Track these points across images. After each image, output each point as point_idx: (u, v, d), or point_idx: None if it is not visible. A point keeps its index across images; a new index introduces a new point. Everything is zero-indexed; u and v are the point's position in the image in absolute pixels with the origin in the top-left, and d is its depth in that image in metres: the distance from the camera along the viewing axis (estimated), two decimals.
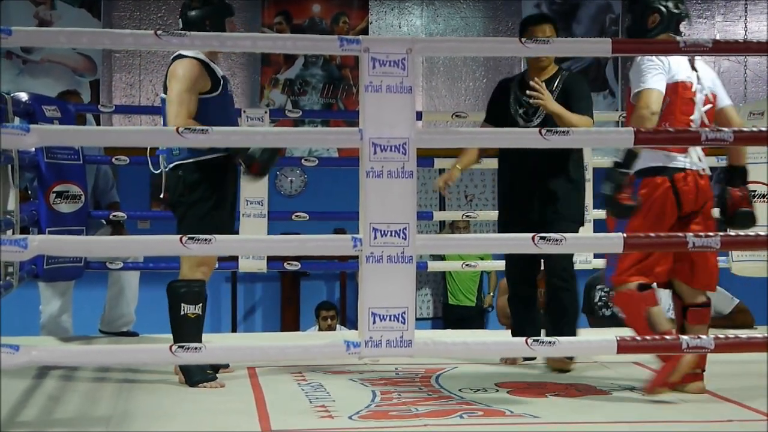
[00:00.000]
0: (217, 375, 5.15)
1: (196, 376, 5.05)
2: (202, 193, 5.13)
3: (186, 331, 5.01)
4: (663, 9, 4.94)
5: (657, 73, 4.75)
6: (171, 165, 5.17)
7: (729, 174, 5.02)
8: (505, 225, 5.78)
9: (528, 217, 5.61)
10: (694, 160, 4.87)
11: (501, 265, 8.02)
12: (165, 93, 5.18)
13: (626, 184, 4.72)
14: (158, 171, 5.31)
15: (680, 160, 4.83)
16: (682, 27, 4.99)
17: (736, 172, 5.00)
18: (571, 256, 5.78)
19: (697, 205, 4.89)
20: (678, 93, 4.82)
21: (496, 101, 5.84)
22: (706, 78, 4.94)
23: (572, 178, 5.72)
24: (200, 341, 4.89)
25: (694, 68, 4.90)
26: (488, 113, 5.89)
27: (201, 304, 5.12)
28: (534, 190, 5.65)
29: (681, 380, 4.83)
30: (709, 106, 4.91)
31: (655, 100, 4.71)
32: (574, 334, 5.51)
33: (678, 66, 4.83)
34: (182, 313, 5.07)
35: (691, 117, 4.84)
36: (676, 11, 4.96)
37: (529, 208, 5.65)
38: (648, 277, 4.89)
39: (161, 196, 5.33)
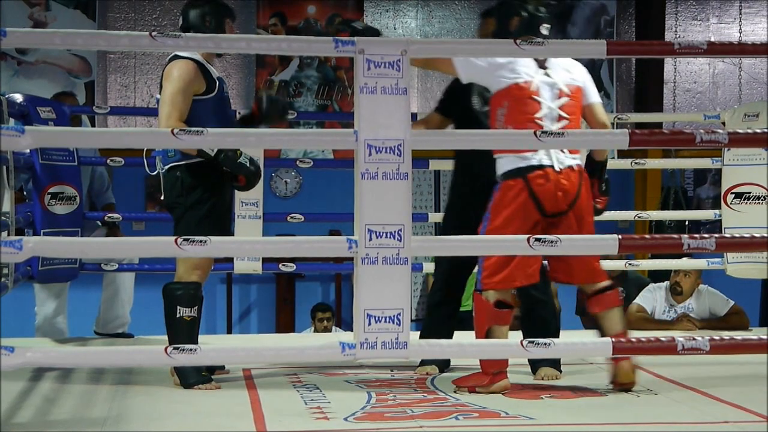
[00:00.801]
0: (213, 377, 5.14)
1: (191, 378, 5.04)
2: (200, 195, 5.11)
3: (181, 334, 5.00)
4: (523, 13, 5.05)
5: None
6: (167, 166, 5.17)
7: (589, 168, 5.06)
8: (450, 228, 5.60)
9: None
10: (553, 155, 4.89)
11: None
12: (160, 93, 5.18)
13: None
14: (154, 173, 5.31)
15: (535, 158, 4.86)
16: (544, 29, 5.03)
17: (596, 166, 5.08)
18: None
19: (563, 203, 4.89)
20: (513, 94, 4.90)
21: (454, 94, 5.64)
22: (560, 73, 4.99)
23: None
24: (195, 343, 4.90)
25: (543, 67, 4.96)
26: (443, 104, 5.72)
27: (197, 307, 5.10)
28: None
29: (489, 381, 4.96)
30: (564, 99, 4.96)
31: None
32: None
33: (520, 69, 4.91)
34: (178, 315, 5.06)
35: (537, 114, 4.89)
36: (538, 14, 5.06)
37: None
38: (517, 282, 4.95)
39: (161, 198, 5.33)
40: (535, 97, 4.91)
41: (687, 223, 10.84)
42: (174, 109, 5.02)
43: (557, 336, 5.47)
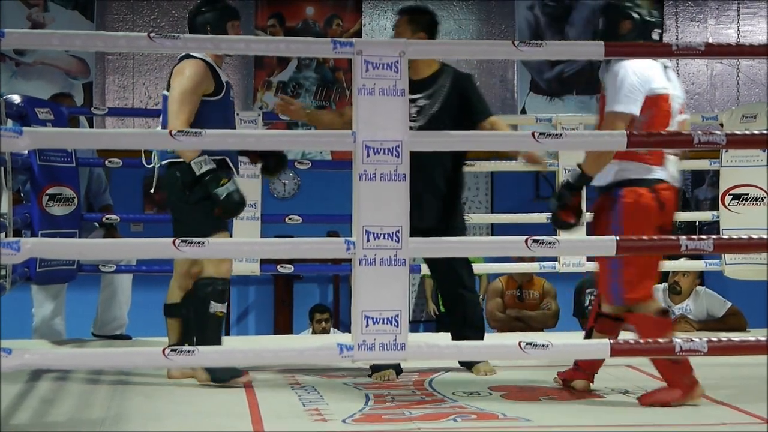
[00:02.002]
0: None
1: (224, 373, 5.07)
2: (200, 193, 5.10)
3: (211, 330, 5.07)
4: (636, 16, 4.88)
5: (635, 99, 4.71)
6: (165, 162, 5.17)
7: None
8: None
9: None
10: (671, 172, 4.83)
11: (494, 268, 8.09)
12: (168, 91, 5.17)
13: (570, 203, 4.80)
14: (150, 165, 5.31)
15: (659, 172, 4.79)
16: (655, 35, 4.92)
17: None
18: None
19: (673, 218, 4.86)
20: (659, 106, 4.78)
21: None
22: (678, 87, 4.92)
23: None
24: (221, 341, 5.03)
25: (668, 78, 4.87)
26: None
27: (226, 303, 5.17)
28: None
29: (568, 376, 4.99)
30: (682, 116, 4.89)
31: (625, 125, 4.67)
32: (482, 338, 5.50)
33: (655, 76, 4.78)
34: (211, 311, 5.10)
35: (668, 129, 4.79)
36: (650, 19, 4.91)
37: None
38: (653, 287, 4.87)
39: (151, 191, 5.32)
40: (671, 110, 4.83)
41: (684, 224, 10.85)
42: (184, 106, 5.03)
43: (480, 332, 5.58)
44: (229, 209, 5.01)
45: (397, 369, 5.40)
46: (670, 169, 4.81)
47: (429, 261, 5.89)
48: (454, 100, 5.48)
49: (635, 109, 4.70)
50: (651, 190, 4.77)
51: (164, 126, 5.13)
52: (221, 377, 5.08)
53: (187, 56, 5.18)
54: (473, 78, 5.75)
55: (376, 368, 5.37)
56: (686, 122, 4.97)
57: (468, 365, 5.49)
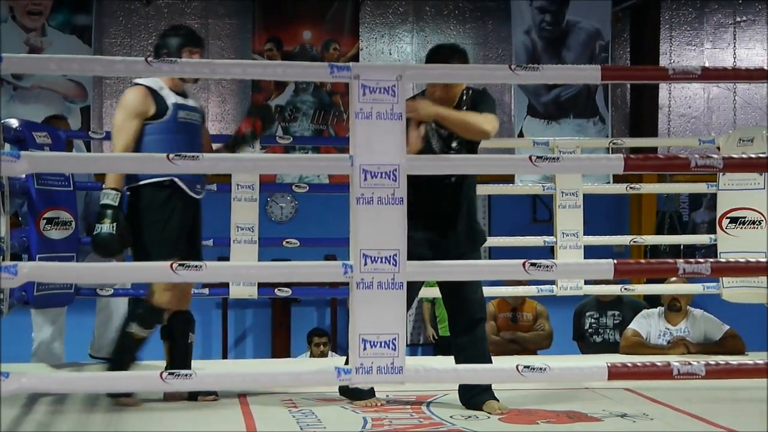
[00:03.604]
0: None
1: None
2: (153, 217, 5.27)
3: (123, 347, 5.27)
4: None
5: None
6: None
7: None
8: None
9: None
10: None
11: (490, 291, 8.07)
12: None
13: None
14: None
15: None
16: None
17: None
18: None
19: None
20: None
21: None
22: None
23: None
24: (127, 366, 5.19)
25: None
26: None
27: (150, 331, 5.28)
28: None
29: None
30: None
31: None
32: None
33: None
34: (127, 330, 5.27)
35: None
36: None
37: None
38: None
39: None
40: None
41: (682, 247, 10.87)
42: (120, 135, 5.21)
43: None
44: (96, 247, 5.16)
45: (372, 392, 5.32)
46: None
47: (442, 286, 5.41)
48: None
49: None
50: None
51: None
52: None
53: (133, 83, 5.34)
54: (483, 91, 5.56)
55: (355, 394, 5.26)
56: None
57: (475, 405, 5.18)
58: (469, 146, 5.20)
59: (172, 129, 5.30)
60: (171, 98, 5.33)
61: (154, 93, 5.31)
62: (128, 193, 5.30)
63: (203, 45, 5.52)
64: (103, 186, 5.17)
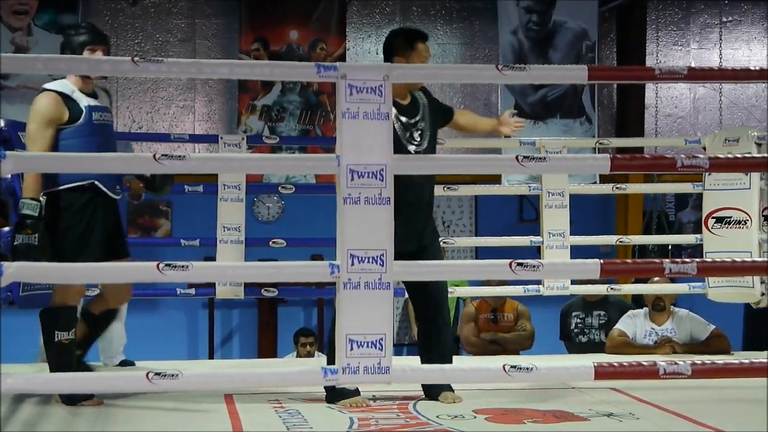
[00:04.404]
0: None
1: (75, 396, 5.12)
2: (68, 222, 5.22)
3: (61, 357, 5.15)
4: None
5: None
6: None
7: None
8: None
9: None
10: None
11: (476, 291, 8.08)
12: None
13: None
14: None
15: None
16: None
17: None
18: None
19: None
20: None
21: None
22: None
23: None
24: (74, 365, 5.15)
25: None
26: None
27: (74, 330, 5.23)
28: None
29: None
30: None
31: None
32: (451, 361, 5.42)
33: None
34: (56, 339, 5.18)
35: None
36: None
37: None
38: None
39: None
40: None
41: (670, 247, 10.89)
42: (35, 144, 5.12)
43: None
44: (18, 258, 5.07)
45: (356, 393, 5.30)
46: None
47: (409, 284, 5.50)
48: (432, 113, 5.37)
49: None
50: None
51: None
52: (71, 398, 5.14)
53: (43, 90, 5.27)
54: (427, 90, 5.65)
55: (340, 394, 5.22)
56: None
57: (433, 394, 5.28)
58: (433, 131, 5.30)
59: (87, 132, 5.25)
60: (83, 101, 5.27)
61: (65, 98, 5.24)
62: (47, 198, 5.19)
63: (108, 42, 5.46)
64: (21, 196, 5.11)
